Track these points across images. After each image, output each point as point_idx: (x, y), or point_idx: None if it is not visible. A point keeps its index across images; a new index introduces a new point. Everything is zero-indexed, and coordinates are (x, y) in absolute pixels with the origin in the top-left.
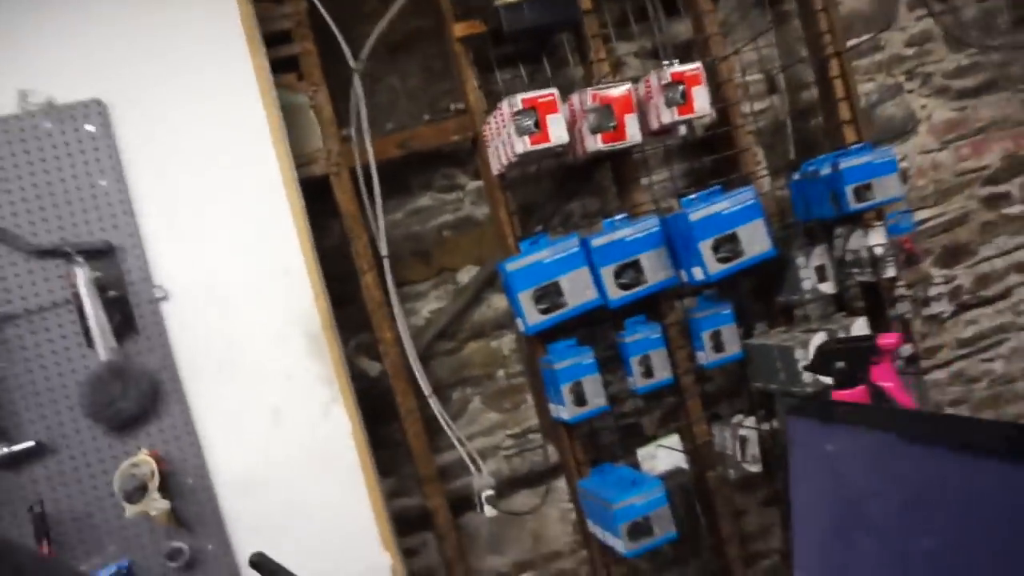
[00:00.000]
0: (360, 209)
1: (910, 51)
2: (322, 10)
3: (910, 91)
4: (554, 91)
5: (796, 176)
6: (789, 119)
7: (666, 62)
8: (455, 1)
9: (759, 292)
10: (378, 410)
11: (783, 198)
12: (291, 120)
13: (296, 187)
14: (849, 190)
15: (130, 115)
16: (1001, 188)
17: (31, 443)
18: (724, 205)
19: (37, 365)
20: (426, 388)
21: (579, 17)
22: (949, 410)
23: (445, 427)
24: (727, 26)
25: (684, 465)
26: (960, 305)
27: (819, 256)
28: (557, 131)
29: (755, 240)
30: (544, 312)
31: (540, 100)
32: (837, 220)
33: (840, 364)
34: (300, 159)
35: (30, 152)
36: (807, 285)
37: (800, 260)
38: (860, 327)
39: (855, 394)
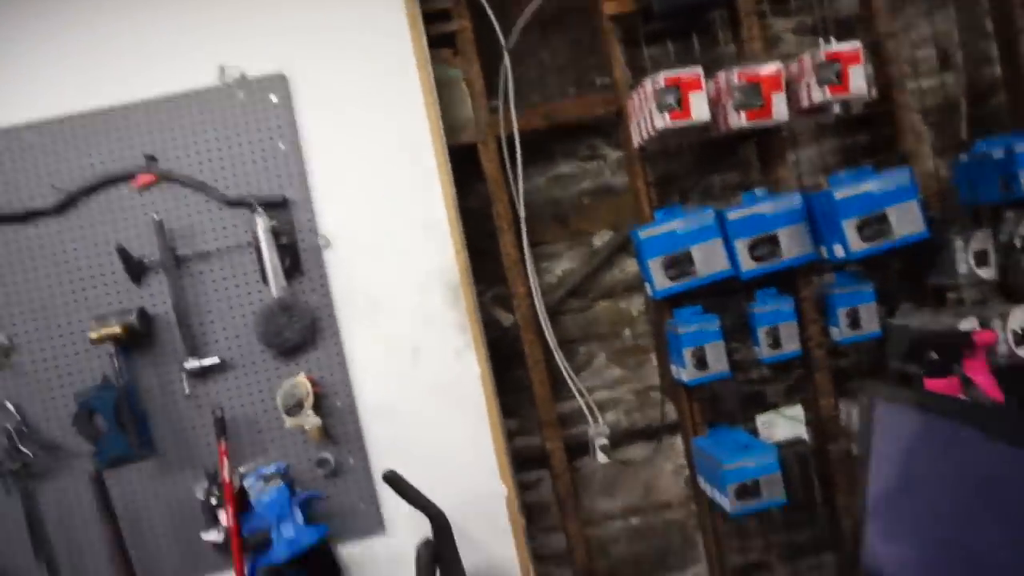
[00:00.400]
0: (503, 175)
1: None
2: None
3: None
4: (698, 70)
5: (964, 157)
6: (964, 98)
7: (821, 41)
8: None
9: (909, 273)
10: (509, 357)
11: (947, 179)
12: (446, 92)
13: (444, 152)
14: (1023, 174)
15: (306, 87)
16: None
17: (216, 359)
18: (875, 184)
19: (224, 296)
20: (552, 341)
21: None
22: None
23: (567, 378)
24: (898, 1)
25: (804, 436)
26: None
27: (980, 240)
28: (699, 109)
29: (906, 221)
30: (673, 279)
31: (684, 78)
32: (1006, 204)
33: (933, 355)
34: (452, 127)
35: (226, 119)
36: (963, 269)
37: (959, 243)
38: (1019, 315)
39: (946, 384)
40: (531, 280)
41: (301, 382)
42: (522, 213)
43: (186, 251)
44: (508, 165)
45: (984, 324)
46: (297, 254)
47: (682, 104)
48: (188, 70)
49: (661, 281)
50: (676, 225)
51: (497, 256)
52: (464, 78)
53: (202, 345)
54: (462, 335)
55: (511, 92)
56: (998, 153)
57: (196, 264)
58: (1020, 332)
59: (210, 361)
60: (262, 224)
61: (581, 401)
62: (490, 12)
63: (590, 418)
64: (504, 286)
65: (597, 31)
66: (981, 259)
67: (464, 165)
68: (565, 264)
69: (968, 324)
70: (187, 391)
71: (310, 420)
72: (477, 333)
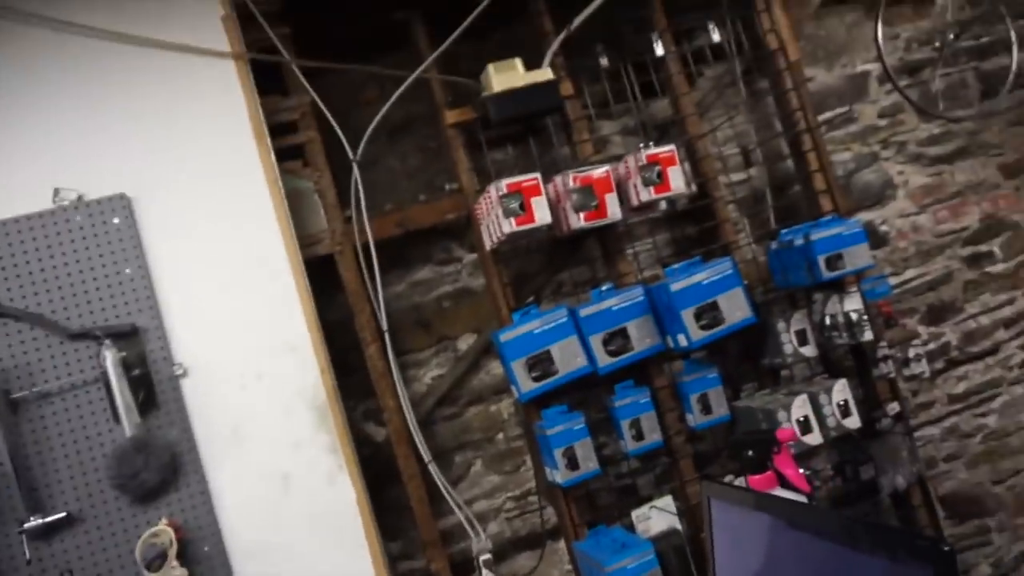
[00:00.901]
0: (363, 285)
1: (883, 122)
2: (321, 106)
3: (886, 159)
4: (537, 175)
5: (774, 245)
6: (768, 190)
7: (642, 144)
8: (447, 90)
9: (746, 354)
10: (384, 475)
11: (766, 265)
12: (298, 203)
13: (301, 266)
14: (821, 260)
15: (151, 207)
16: (983, 248)
17: (62, 514)
18: (704, 275)
19: (70, 440)
20: (425, 454)
21: (561, 103)
22: (944, 466)
23: (444, 492)
24: (704, 105)
25: (678, 526)
26: (949, 361)
27: (799, 321)
28: (541, 212)
29: (735, 308)
30: (537, 380)
31: (524, 184)
32: (814, 287)
33: (750, 453)
34: (307, 239)
35: (63, 244)
36: (788, 349)
37: (780, 325)
38: (840, 388)
39: (764, 479)
40: (400, 391)
41: (163, 530)
42: (384, 323)
43: (23, 393)
44: (367, 274)
45: (814, 400)
46: (151, 386)
47: (525, 208)
48: (22, 195)
49: (526, 383)
50: (534, 326)
51: (364, 369)
52: (316, 189)
53: (46, 499)
54: (334, 457)
55: (363, 201)
56: (799, 240)
57: (36, 407)
58: (843, 404)
59: (55, 517)
60: (110, 356)
61: (460, 515)
62: (335, 124)
63: (471, 532)
64: (374, 399)
65: (443, 137)
66: (802, 338)
67: (322, 277)
68: (433, 371)
69: (783, 415)
70: (27, 556)
71: (174, 573)
72: (349, 454)
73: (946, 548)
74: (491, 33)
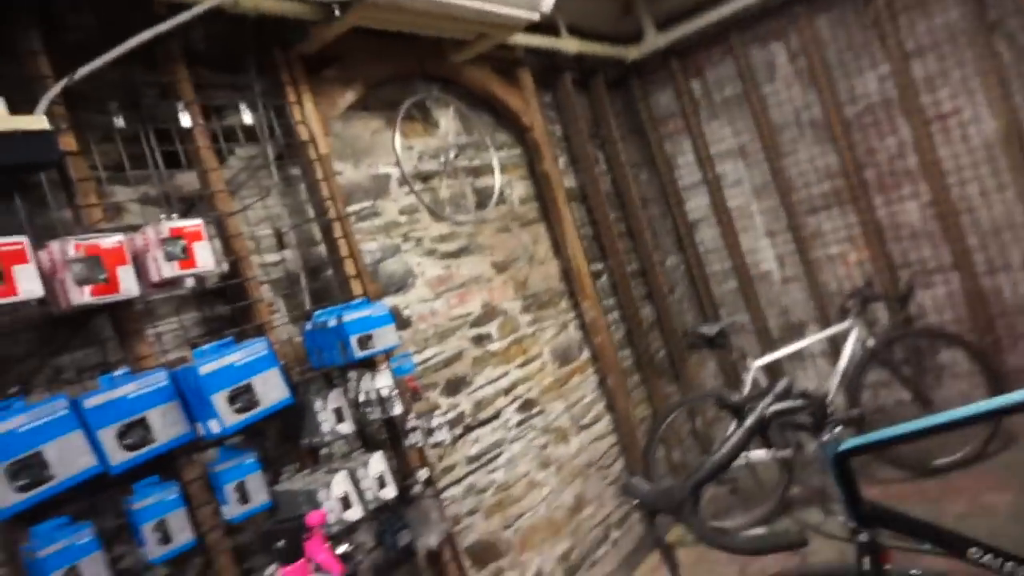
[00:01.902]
0: None
1: (403, 218)
2: None
3: (407, 251)
4: (23, 239)
5: (309, 326)
6: (303, 272)
7: (163, 216)
8: None
9: (286, 436)
10: None
11: (302, 345)
12: None
13: None
14: (353, 340)
15: None
16: (484, 330)
17: None
18: (237, 356)
19: None
20: None
21: (60, 158)
22: (466, 520)
23: None
24: (235, 183)
25: None
26: (466, 427)
27: (335, 399)
28: (28, 283)
29: (271, 389)
30: (23, 489)
31: (3, 249)
32: (348, 365)
33: (281, 543)
34: None
35: None
36: (326, 427)
37: (318, 404)
38: (377, 461)
39: (297, 569)
40: None
41: None
42: None
43: None
44: None
45: (352, 475)
46: None
47: (5, 278)
48: None
49: (6, 496)
50: (18, 422)
51: None
52: None
53: None
54: None
55: None
56: (332, 321)
57: None
58: (380, 476)
59: None
60: None
61: None
62: None
63: None
64: None
65: None
66: (339, 416)
67: None
68: None
69: (324, 494)
70: None
71: None
72: None
73: None
74: None
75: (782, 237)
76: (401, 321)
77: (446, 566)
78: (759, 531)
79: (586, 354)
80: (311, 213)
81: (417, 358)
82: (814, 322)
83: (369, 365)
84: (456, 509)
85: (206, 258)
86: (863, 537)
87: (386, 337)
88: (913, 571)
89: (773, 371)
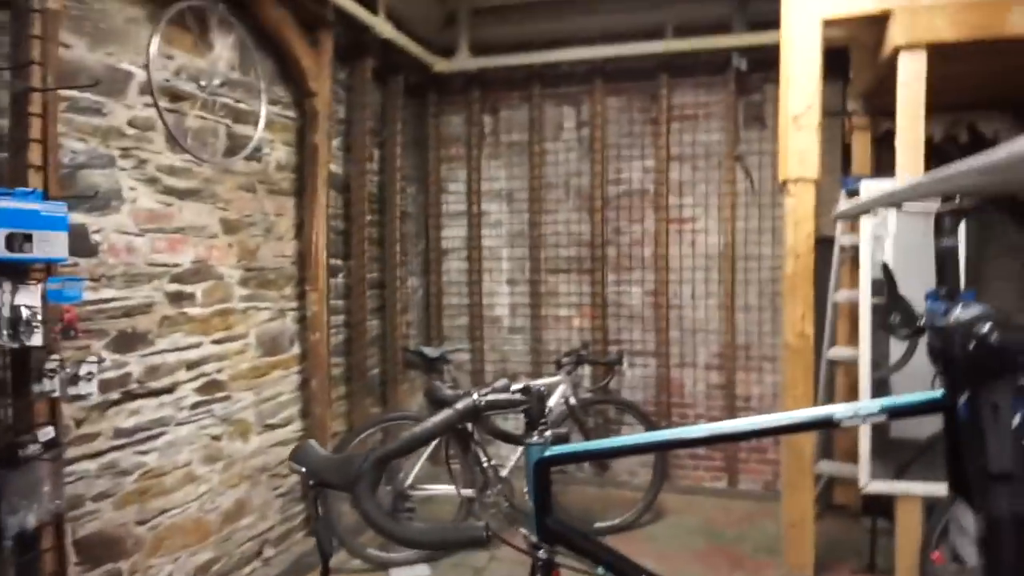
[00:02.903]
0: None
1: (132, 131)
2: None
3: (122, 169)
4: None
5: None
6: None
7: None
8: None
9: None
10: None
11: None
12: None
13: None
14: (2, 233)
15: None
16: (187, 288)
17: None
18: None
19: None
20: None
21: None
22: (91, 505)
23: None
24: None
25: None
26: (127, 393)
27: None
28: None
29: None
30: None
31: None
32: None
33: None
34: None
35: None
36: None
37: None
38: None
39: None
40: None
41: None
42: None
43: None
44: None
45: None
46: None
47: None
48: None
49: None
50: None
51: None
52: None
53: None
54: None
55: None
56: None
57: None
58: None
59: None
60: None
61: None
62: None
63: None
64: None
65: None
66: None
67: None
68: None
69: None
70: None
71: None
72: None
73: None
74: None
75: (521, 288)
76: (86, 246)
77: (40, 556)
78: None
79: (296, 349)
80: (7, 78)
81: (90, 294)
82: (526, 377)
83: (17, 275)
84: (82, 489)
85: None
86: (542, 554)
87: (51, 245)
88: None
89: None
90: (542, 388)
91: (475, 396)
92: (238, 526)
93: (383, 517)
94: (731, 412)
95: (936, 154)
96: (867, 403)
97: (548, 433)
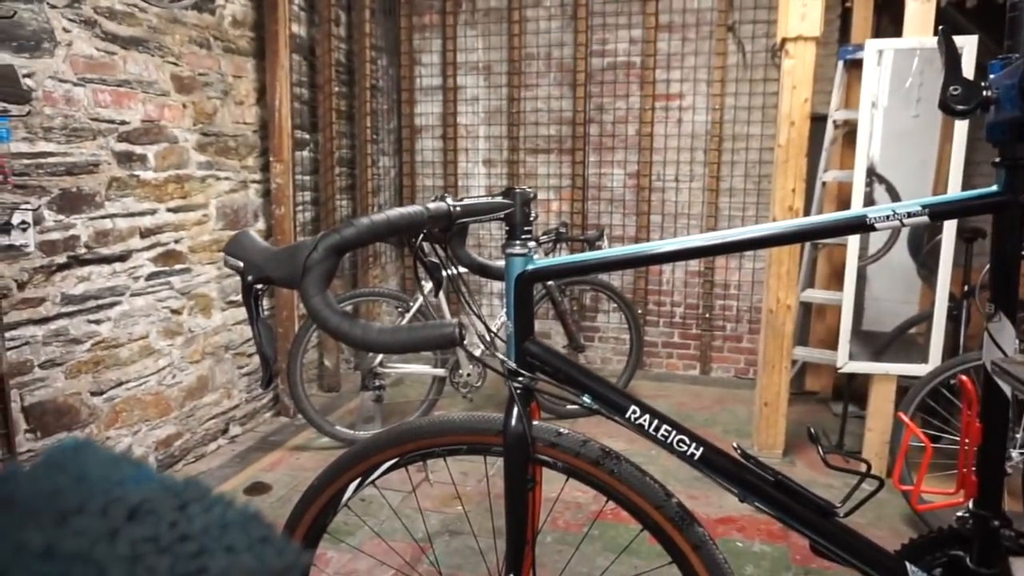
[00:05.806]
0: None
1: None
2: None
3: (54, 6)
4: None
5: None
6: None
7: None
8: None
9: None
10: None
11: None
12: None
13: None
14: None
15: None
16: (138, 150)
17: None
18: None
19: None
20: None
21: None
22: (40, 372)
23: None
24: None
25: None
26: (75, 258)
27: None
28: None
29: None
30: None
31: None
32: None
33: None
34: None
35: None
36: None
37: None
38: None
39: None
40: None
41: None
42: None
43: None
44: None
45: None
46: None
47: None
48: None
49: None
50: None
51: None
52: None
53: None
54: None
55: None
56: None
57: None
58: None
59: None
60: None
61: None
62: None
63: None
64: None
65: None
66: None
67: None
68: None
69: None
70: None
71: None
72: None
73: None
74: None
75: (498, 170)
76: (17, 91)
77: None
78: (406, 325)
79: (261, 224)
80: None
81: (26, 147)
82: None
83: None
84: (28, 355)
85: None
86: (521, 380)
87: None
88: (562, 430)
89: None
90: (528, 191)
91: (449, 200)
92: (201, 403)
93: (337, 316)
94: (709, 299)
95: (942, 19)
96: (906, 202)
97: (532, 244)
